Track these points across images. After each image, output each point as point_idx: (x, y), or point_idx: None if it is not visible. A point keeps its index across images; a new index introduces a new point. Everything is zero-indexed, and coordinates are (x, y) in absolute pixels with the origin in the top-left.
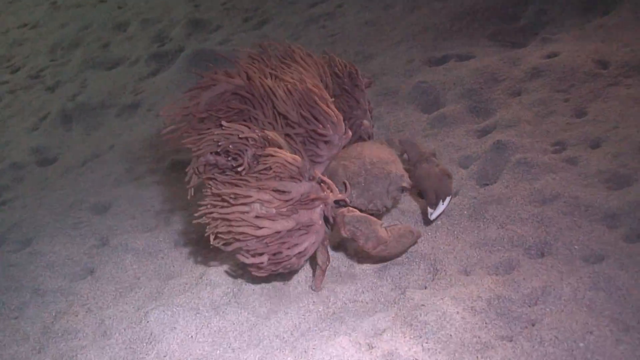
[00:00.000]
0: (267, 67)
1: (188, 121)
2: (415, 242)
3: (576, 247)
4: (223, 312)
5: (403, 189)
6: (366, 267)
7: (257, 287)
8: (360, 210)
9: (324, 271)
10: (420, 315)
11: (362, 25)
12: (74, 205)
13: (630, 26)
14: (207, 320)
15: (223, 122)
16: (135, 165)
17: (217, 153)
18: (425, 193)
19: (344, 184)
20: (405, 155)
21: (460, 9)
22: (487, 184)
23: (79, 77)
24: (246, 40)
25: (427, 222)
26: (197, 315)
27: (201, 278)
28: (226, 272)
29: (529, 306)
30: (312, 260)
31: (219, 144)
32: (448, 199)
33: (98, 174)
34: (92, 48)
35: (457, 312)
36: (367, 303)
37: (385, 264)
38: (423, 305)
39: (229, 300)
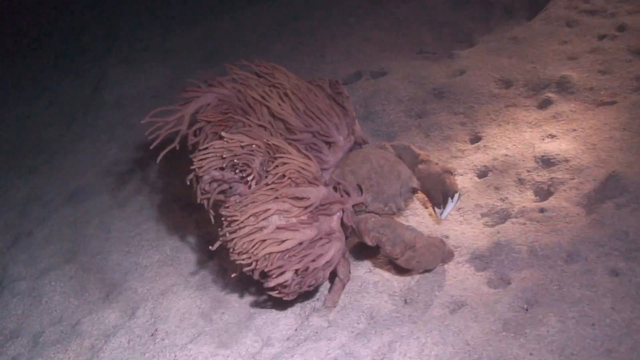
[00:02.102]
0: (252, 79)
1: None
2: (449, 259)
3: (437, 293)
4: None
5: (414, 190)
6: None
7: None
8: (378, 215)
9: (344, 285)
10: None
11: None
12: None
13: (539, 40)
14: None
15: (223, 133)
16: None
17: (222, 168)
18: (430, 193)
19: (359, 187)
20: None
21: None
22: None
23: None
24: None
25: (438, 222)
26: None
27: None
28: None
29: None
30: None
31: (223, 156)
32: (457, 195)
33: None
34: None
35: None
36: None
37: None
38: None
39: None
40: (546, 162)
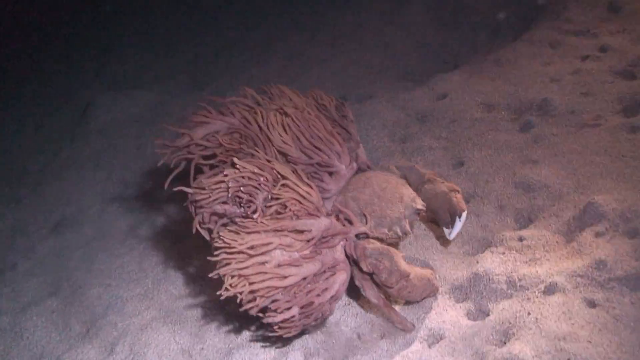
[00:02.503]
0: (259, 105)
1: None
2: (435, 294)
3: (416, 325)
4: None
5: (418, 212)
6: None
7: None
8: (381, 241)
9: (387, 305)
10: None
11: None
12: None
13: (522, 62)
14: None
15: (235, 160)
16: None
17: (224, 202)
18: (437, 214)
19: (364, 216)
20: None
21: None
22: None
23: None
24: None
25: (445, 243)
26: None
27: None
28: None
29: None
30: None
31: (229, 185)
32: (464, 214)
33: None
34: None
35: None
36: None
37: None
38: None
39: None
40: (527, 187)
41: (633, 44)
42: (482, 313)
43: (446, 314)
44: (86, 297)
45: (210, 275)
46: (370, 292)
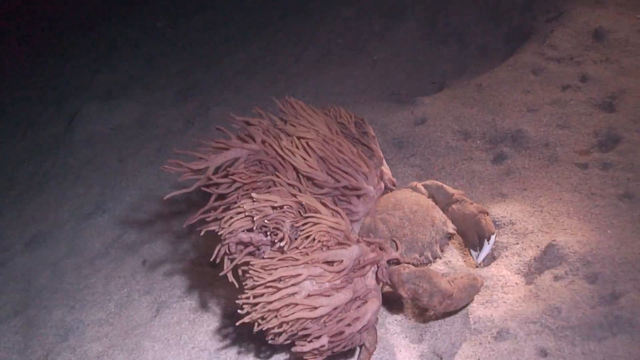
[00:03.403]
0: (277, 126)
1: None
2: (479, 290)
3: None
4: None
5: (450, 236)
6: None
7: None
8: (413, 265)
9: (370, 355)
10: None
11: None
12: None
13: (503, 89)
14: None
15: (253, 194)
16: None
17: (250, 230)
18: (465, 236)
19: (394, 241)
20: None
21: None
22: None
23: None
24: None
25: (474, 265)
26: None
27: None
28: None
29: None
30: None
31: (254, 218)
32: (493, 237)
33: None
34: None
35: None
36: None
37: None
38: None
39: None
40: (493, 223)
41: (614, 74)
42: (436, 356)
43: (400, 355)
44: (50, 319)
45: (239, 311)
46: (367, 336)
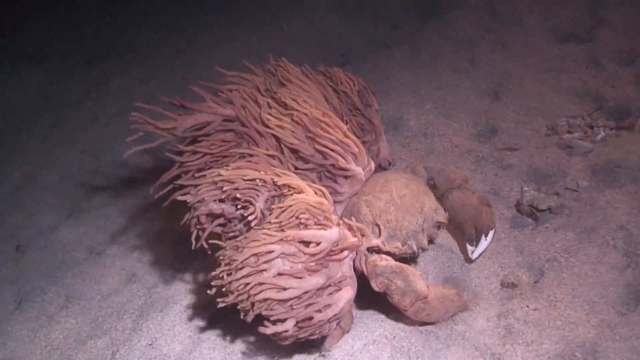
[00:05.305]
0: (260, 92)
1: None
2: (462, 310)
3: None
4: None
5: (439, 225)
6: None
7: None
8: (393, 256)
9: (344, 333)
10: None
11: None
12: None
13: (395, 70)
14: None
15: (222, 171)
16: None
17: (222, 200)
18: (463, 227)
19: (377, 226)
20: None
21: None
22: None
23: None
24: None
25: (468, 261)
26: None
27: None
28: None
29: None
30: None
31: (224, 189)
32: (491, 233)
33: None
34: None
35: None
36: None
37: None
38: None
39: None
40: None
41: (503, 58)
42: None
43: None
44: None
45: (208, 291)
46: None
